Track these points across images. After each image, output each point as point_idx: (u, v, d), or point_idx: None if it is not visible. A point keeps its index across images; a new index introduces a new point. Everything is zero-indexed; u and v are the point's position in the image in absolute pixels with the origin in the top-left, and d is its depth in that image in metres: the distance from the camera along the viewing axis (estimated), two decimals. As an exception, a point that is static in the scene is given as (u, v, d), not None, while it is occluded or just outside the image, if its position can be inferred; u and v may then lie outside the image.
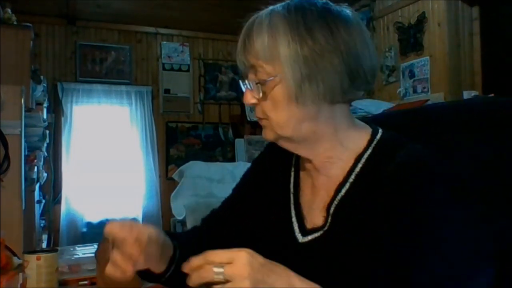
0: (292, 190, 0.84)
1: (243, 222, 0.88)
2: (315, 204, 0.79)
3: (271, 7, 0.74)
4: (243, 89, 0.77)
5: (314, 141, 0.76)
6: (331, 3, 0.74)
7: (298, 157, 0.86)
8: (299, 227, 0.79)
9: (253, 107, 0.78)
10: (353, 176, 0.76)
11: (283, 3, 0.74)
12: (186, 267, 0.61)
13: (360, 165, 0.76)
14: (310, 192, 0.81)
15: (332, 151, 0.77)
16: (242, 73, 0.78)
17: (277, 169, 0.88)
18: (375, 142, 0.78)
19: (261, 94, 0.74)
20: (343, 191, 0.76)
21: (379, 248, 0.68)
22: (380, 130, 0.80)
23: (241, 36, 0.75)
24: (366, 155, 0.76)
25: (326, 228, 0.75)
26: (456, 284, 0.66)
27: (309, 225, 0.78)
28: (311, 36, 0.69)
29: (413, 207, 0.68)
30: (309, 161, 0.80)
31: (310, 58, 0.69)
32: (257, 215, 0.86)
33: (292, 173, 0.86)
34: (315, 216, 0.78)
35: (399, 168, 0.71)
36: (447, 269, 0.66)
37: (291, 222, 0.80)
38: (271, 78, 0.71)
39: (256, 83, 0.73)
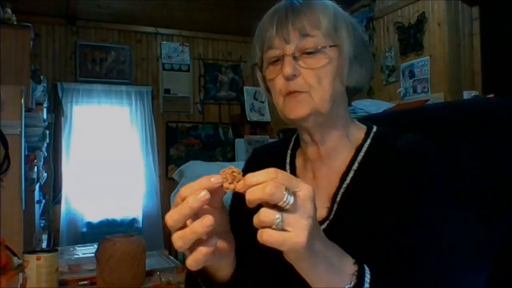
0: None
1: (247, 229, 0.88)
2: (318, 196, 0.79)
3: None
4: (270, 68, 0.77)
5: (332, 124, 0.79)
6: None
7: (293, 155, 0.87)
8: None
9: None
10: (356, 164, 0.77)
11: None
12: (243, 182, 0.53)
13: (362, 154, 0.78)
14: (312, 184, 0.81)
15: (339, 140, 0.80)
16: (275, 46, 0.75)
17: None
18: (372, 135, 0.81)
19: (306, 65, 0.73)
20: (348, 179, 0.77)
21: (380, 240, 0.68)
22: (375, 126, 0.83)
23: (286, 7, 0.75)
24: (366, 145, 0.79)
25: (331, 217, 0.75)
26: (455, 282, 0.67)
27: (318, 215, 0.78)
28: (353, 27, 0.78)
29: (414, 204, 0.69)
30: (316, 149, 0.81)
31: (361, 45, 0.78)
32: None
33: (288, 171, 0.85)
34: (318, 209, 0.78)
35: (400, 156, 0.73)
36: (446, 268, 0.66)
37: None
38: (328, 47, 0.74)
39: (316, 51, 0.73)
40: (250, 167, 0.93)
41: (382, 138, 0.79)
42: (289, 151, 0.88)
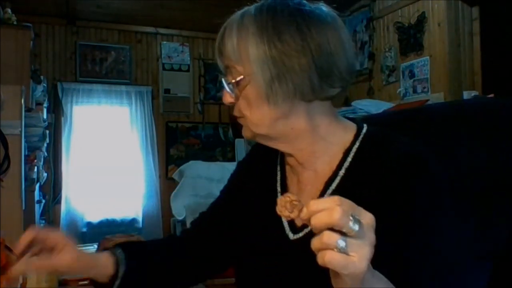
0: (279, 189, 0.83)
1: (233, 224, 0.88)
2: (303, 200, 0.78)
3: (245, 9, 0.75)
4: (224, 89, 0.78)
5: (293, 138, 0.76)
6: (305, 3, 0.74)
7: (283, 156, 0.86)
8: (289, 225, 0.78)
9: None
10: (343, 171, 0.75)
11: (256, 4, 0.75)
12: (307, 210, 0.53)
13: (349, 159, 0.76)
14: (296, 189, 0.81)
15: (315, 146, 0.77)
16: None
17: (263, 169, 0.88)
18: (361, 136, 0.77)
19: (234, 94, 0.75)
20: (334, 185, 0.75)
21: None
22: (365, 125, 0.80)
23: (217, 39, 0.77)
24: (354, 149, 0.76)
25: None
26: (455, 283, 0.67)
27: (298, 222, 0.77)
28: (279, 37, 0.70)
29: (410, 208, 0.68)
30: (293, 156, 0.79)
31: (278, 59, 0.70)
32: (247, 216, 0.86)
33: (278, 173, 0.85)
34: None
35: (395, 164, 0.70)
36: (444, 270, 0.66)
37: (281, 221, 0.79)
38: (242, 78, 0.73)
39: (229, 83, 0.75)
40: (246, 164, 0.95)
41: (372, 141, 0.76)
42: (280, 152, 0.88)
